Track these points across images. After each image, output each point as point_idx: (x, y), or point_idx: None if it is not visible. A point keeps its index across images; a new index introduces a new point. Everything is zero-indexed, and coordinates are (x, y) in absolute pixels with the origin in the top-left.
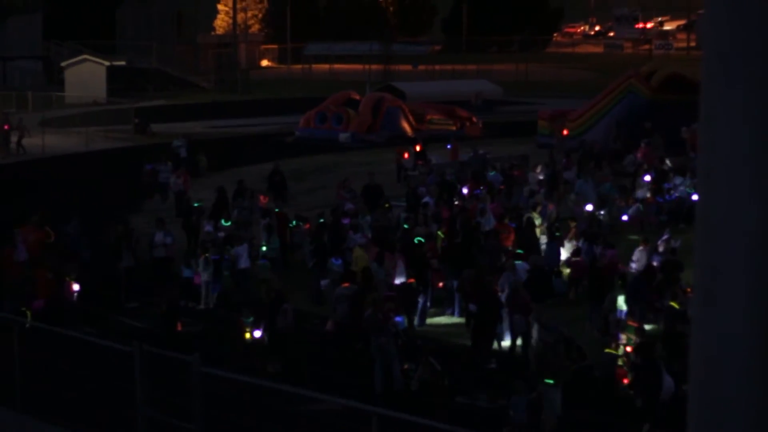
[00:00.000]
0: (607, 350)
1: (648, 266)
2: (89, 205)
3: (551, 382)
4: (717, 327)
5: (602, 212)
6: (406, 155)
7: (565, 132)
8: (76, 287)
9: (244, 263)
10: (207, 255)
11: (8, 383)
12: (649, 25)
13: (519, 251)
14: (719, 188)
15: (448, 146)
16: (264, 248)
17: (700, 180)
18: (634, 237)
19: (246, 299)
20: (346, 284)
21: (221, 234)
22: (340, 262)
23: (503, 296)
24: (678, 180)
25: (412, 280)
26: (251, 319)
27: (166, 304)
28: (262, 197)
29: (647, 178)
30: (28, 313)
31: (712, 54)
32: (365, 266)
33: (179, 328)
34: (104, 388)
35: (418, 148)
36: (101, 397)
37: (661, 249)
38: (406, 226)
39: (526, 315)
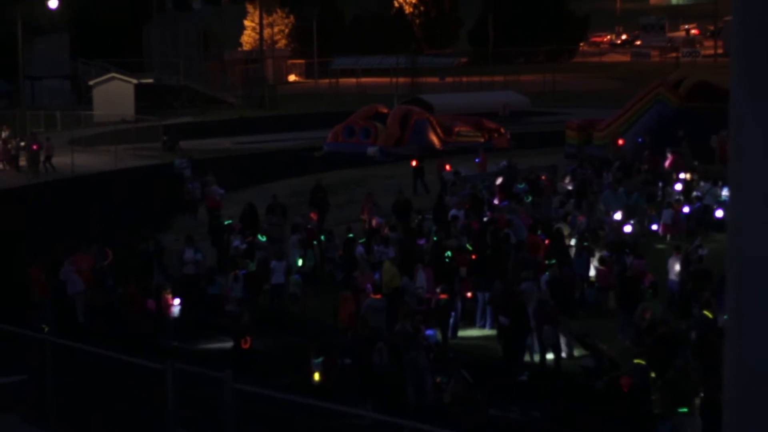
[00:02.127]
0: (636, 360)
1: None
2: (119, 223)
3: (686, 410)
4: (750, 335)
5: (632, 221)
6: (447, 167)
7: (620, 142)
8: (176, 302)
9: (278, 279)
10: (237, 271)
11: (41, 403)
12: (693, 32)
13: (549, 262)
14: (751, 199)
15: (477, 160)
16: (300, 263)
17: (732, 191)
18: (662, 246)
19: (280, 313)
20: (378, 296)
21: (241, 245)
22: (377, 275)
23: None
24: (706, 186)
25: (444, 296)
26: (320, 359)
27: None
28: (312, 214)
29: (678, 186)
30: (45, 329)
31: (740, 65)
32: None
33: (246, 345)
34: (137, 406)
35: (414, 164)
36: (134, 416)
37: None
38: (435, 238)
39: (555, 326)
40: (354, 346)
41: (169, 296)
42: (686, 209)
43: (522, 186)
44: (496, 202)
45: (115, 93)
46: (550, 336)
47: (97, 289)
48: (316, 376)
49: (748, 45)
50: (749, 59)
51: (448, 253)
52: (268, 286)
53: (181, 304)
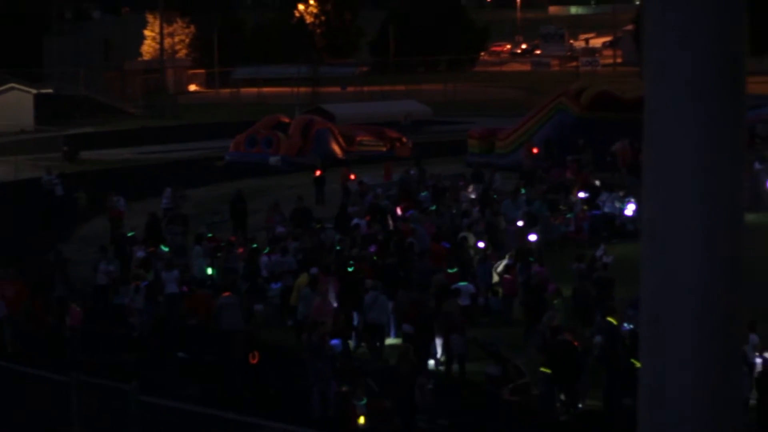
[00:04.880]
0: (543, 368)
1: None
2: (19, 234)
3: None
4: (664, 345)
5: (536, 230)
6: (352, 176)
7: (534, 150)
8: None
9: (171, 289)
10: (138, 282)
11: None
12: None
13: (451, 270)
14: (665, 204)
15: (411, 172)
16: (210, 272)
17: (646, 196)
18: (565, 254)
19: (175, 324)
20: (227, 293)
21: (141, 254)
22: (278, 285)
23: None
24: (604, 195)
25: None
26: (364, 401)
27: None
28: (232, 238)
29: (581, 194)
30: None
31: (656, 64)
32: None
33: (254, 360)
34: (40, 420)
35: (317, 173)
36: (36, 430)
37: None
38: (338, 248)
39: (461, 335)
40: (394, 383)
41: (77, 308)
42: (590, 217)
43: (425, 194)
44: (398, 211)
45: (13, 103)
46: (459, 345)
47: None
48: (362, 420)
49: (663, 55)
50: (666, 69)
51: (352, 261)
52: (162, 297)
53: (82, 314)
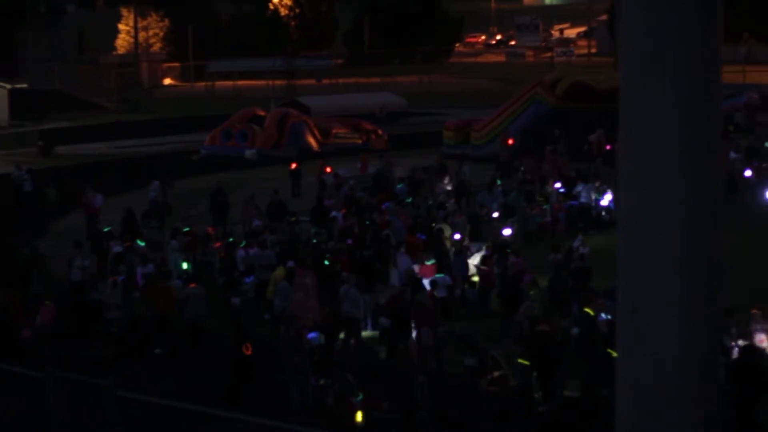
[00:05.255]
0: (521, 360)
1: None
2: None
3: None
4: (642, 335)
5: (511, 222)
6: (328, 169)
7: (510, 141)
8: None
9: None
10: (116, 278)
11: None
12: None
13: (429, 262)
14: (642, 194)
15: (378, 166)
16: (185, 266)
17: (622, 186)
18: (541, 244)
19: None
20: (193, 285)
21: (117, 249)
22: (251, 279)
23: None
24: (580, 186)
25: None
26: (360, 397)
27: (233, 327)
28: (210, 229)
29: (557, 185)
30: None
31: (632, 56)
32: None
33: (248, 352)
34: (18, 417)
35: (293, 166)
36: (16, 426)
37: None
38: (315, 241)
39: (433, 328)
40: (393, 380)
41: (50, 306)
42: (566, 208)
43: (401, 186)
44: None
45: None
46: (429, 338)
47: None
48: (359, 417)
49: (639, 46)
50: (641, 59)
51: (328, 255)
52: (137, 292)
53: (54, 312)
